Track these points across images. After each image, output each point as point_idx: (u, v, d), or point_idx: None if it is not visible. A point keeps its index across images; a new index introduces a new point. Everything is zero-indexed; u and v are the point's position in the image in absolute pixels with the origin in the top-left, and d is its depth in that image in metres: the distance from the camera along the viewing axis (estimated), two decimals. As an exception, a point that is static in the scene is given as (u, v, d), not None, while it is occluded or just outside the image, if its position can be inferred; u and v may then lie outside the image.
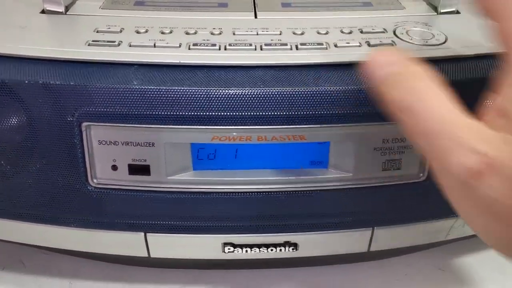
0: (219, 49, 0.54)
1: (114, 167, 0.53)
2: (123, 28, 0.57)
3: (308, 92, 0.50)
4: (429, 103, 0.34)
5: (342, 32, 0.57)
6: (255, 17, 0.62)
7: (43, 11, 0.60)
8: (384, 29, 0.58)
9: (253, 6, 0.65)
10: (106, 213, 0.56)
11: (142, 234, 0.58)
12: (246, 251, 0.60)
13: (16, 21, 0.58)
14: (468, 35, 0.58)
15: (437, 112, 0.33)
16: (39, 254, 0.69)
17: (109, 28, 0.57)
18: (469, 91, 0.51)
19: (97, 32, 0.56)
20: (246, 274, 0.68)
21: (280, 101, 0.50)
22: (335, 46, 0.54)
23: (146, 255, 0.60)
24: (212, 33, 0.56)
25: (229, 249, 0.59)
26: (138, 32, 0.56)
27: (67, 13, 0.61)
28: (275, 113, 0.50)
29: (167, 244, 0.59)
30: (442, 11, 0.63)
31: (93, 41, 0.54)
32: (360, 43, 0.55)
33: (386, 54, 0.38)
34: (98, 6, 0.63)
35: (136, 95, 0.50)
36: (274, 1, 0.67)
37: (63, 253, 0.67)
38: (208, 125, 0.51)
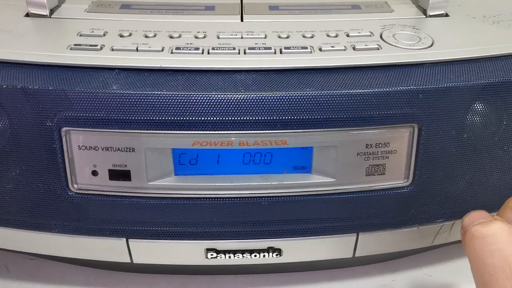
0: (202, 53, 0.53)
1: (95, 173, 0.53)
2: (106, 32, 0.56)
3: (290, 97, 0.50)
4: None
5: (328, 35, 0.57)
6: (241, 20, 0.61)
7: (27, 15, 0.60)
8: (371, 32, 0.58)
9: (240, 9, 0.64)
10: (87, 218, 0.55)
11: (124, 240, 0.57)
12: (230, 257, 0.59)
13: (-1, 24, 0.57)
14: (455, 38, 0.57)
15: None
16: (24, 260, 0.69)
17: (92, 31, 0.56)
18: (454, 95, 0.52)
19: (80, 35, 0.56)
20: (233, 279, 0.67)
21: (261, 106, 0.50)
22: (320, 50, 0.54)
23: (128, 261, 0.59)
24: (196, 37, 0.56)
25: (212, 255, 0.59)
26: (121, 36, 0.56)
27: (52, 16, 0.60)
28: (256, 118, 0.50)
29: (150, 250, 0.59)
30: (431, 14, 0.62)
31: (75, 45, 0.53)
32: (345, 47, 0.55)
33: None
34: (84, 9, 0.63)
35: (116, 100, 0.49)
36: (261, 4, 0.66)
37: (48, 259, 0.66)
38: (188, 130, 0.50)
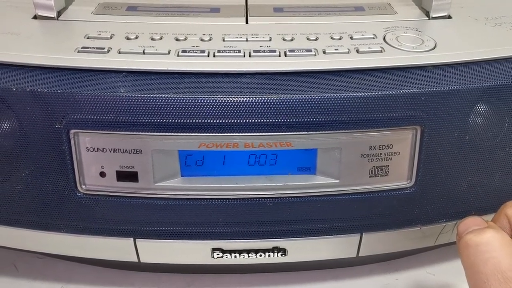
0: (208, 55, 0.54)
1: (103, 174, 0.54)
2: (113, 34, 0.57)
3: (294, 100, 0.50)
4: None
5: (332, 38, 0.58)
6: (246, 22, 0.62)
7: (35, 17, 0.61)
8: (374, 35, 0.58)
9: (245, 11, 0.65)
10: (95, 219, 0.56)
11: (132, 239, 0.58)
12: (235, 256, 0.60)
13: (7, 27, 0.58)
14: (458, 40, 0.58)
15: None
16: (33, 259, 0.70)
17: (99, 34, 0.57)
18: (456, 98, 0.52)
19: (88, 38, 0.56)
20: (238, 278, 0.68)
21: (266, 108, 0.50)
22: (324, 52, 0.55)
23: (136, 260, 0.60)
24: (202, 39, 0.57)
25: (218, 254, 0.60)
26: (128, 38, 0.56)
27: (59, 18, 0.61)
28: (261, 121, 0.51)
29: (157, 249, 0.60)
30: (433, 16, 0.63)
31: (82, 47, 0.54)
32: (348, 49, 0.55)
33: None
34: (90, 11, 0.63)
35: (123, 102, 0.50)
36: (266, 6, 0.67)
37: (56, 258, 0.67)
38: (195, 132, 0.51)
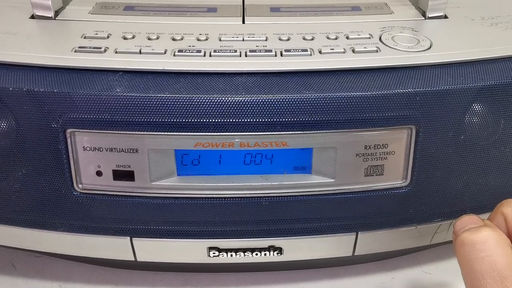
0: (204, 55, 0.54)
1: (99, 173, 0.54)
2: (110, 34, 0.57)
3: (290, 99, 0.51)
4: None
5: (328, 38, 0.58)
6: (243, 22, 0.62)
7: (32, 16, 0.61)
8: (370, 34, 0.58)
9: (242, 11, 0.65)
10: (92, 217, 0.56)
11: (128, 238, 0.58)
12: (231, 255, 0.60)
13: (5, 26, 0.58)
14: (454, 40, 0.58)
15: None
16: (30, 257, 0.70)
17: (96, 34, 0.57)
18: (451, 97, 0.52)
19: (85, 38, 0.57)
20: (235, 277, 0.68)
21: (262, 108, 0.51)
22: (320, 52, 0.55)
23: (132, 259, 0.60)
24: (198, 39, 0.57)
25: (214, 253, 0.60)
26: (125, 38, 0.57)
27: (57, 18, 0.61)
28: (257, 120, 0.51)
29: (153, 248, 0.60)
30: (430, 15, 0.63)
31: (79, 47, 0.54)
32: (344, 49, 0.55)
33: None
34: (88, 11, 0.63)
35: (119, 102, 0.50)
36: (263, 5, 0.67)
37: (54, 256, 0.67)
38: (191, 132, 0.51)
